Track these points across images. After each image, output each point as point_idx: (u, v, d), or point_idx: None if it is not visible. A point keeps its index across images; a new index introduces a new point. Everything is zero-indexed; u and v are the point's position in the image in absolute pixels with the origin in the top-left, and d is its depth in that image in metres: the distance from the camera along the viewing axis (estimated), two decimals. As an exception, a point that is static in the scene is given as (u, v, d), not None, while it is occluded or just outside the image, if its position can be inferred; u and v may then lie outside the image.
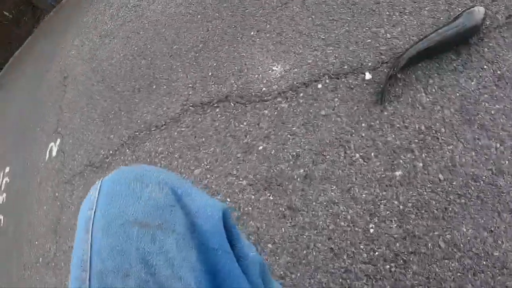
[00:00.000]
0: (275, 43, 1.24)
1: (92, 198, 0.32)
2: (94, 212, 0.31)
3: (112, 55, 2.13)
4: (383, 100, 1.01)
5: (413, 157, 0.96)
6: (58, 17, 3.79)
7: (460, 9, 1.08)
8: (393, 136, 0.99)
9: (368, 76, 1.06)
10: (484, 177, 0.94)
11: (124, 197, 0.31)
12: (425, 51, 1.02)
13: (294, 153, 1.04)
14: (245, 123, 1.15)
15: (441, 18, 1.15)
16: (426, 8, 1.18)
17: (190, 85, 1.39)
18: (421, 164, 0.96)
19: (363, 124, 1.01)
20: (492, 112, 1.00)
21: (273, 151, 1.06)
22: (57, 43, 3.17)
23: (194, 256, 0.31)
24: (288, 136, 1.06)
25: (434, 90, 1.02)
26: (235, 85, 1.24)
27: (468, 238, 0.89)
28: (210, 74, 1.36)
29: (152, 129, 1.49)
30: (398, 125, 0.99)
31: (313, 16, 1.24)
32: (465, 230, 0.90)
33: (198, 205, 0.33)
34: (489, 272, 0.86)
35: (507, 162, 0.95)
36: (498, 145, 0.97)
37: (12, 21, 4.80)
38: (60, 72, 2.76)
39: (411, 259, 0.90)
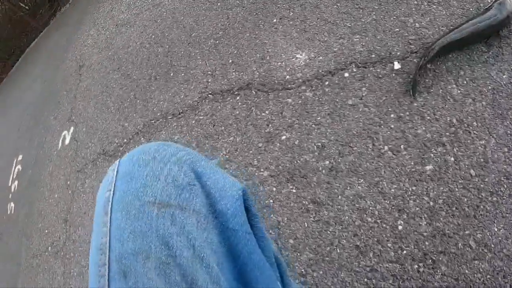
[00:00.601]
0: (299, 30, 1.22)
1: (110, 179, 0.31)
2: (113, 194, 0.30)
3: (128, 44, 2.13)
4: (414, 91, 0.98)
5: (444, 151, 0.93)
6: (75, 9, 3.82)
7: (490, 0, 1.05)
8: (424, 128, 0.96)
9: (397, 65, 1.03)
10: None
11: (143, 177, 0.30)
12: (456, 42, 0.99)
13: (320, 144, 1.02)
14: (267, 112, 1.13)
15: (470, 9, 1.12)
16: (457, -1, 1.15)
17: (209, 73, 1.37)
18: (452, 159, 0.93)
19: (392, 115, 0.99)
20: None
21: (297, 141, 1.04)
22: (73, 33, 3.19)
23: (215, 237, 0.30)
24: (313, 126, 1.04)
25: (465, 82, 0.99)
26: (257, 73, 1.22)
27: (500, 238, 0.86)
28: (230, 61, 1.34)
29: (169, 117, 1.48)
30: (428, 117, 0.96)
31: (339, 4, 1.22)
32: (496, 229, 0.87)
33: (218, 184, 0.32)
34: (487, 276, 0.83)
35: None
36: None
37: (29, 13, 4.87)
38: (75, 61, 2.78)
39: (440, 259, 0.87)
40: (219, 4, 1.58)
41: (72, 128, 2.33)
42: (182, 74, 1.55)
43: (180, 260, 0.27)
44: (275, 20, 1.31)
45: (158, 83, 1.66)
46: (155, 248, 0.27)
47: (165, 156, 0.32)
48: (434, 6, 1.14)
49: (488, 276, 0.84)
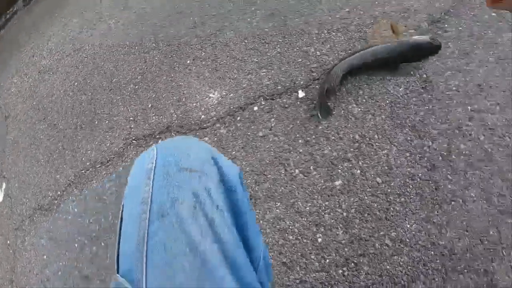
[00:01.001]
0: (211, 70, 1.27)
1: (151, 155, 0.43)
2: (155, 164, 0.42)
3: (52, 92, 2.07)
4: (324, 113, 1.05)
5: (351, 165, 1.01)
6: (-4, 55, 3.63)
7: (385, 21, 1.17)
8: (330, 148, 1.03)
9: (301, 94, 1.10)
10: (420, 175, 1.00)
11: (178, 154, 0.43)
12: (359, 68, 1.09)
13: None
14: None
15: (367, 31, 1.23)
16: (353, 23, 1.26)
17: (131, 118, 1.38)
18: (359, 171, 1.00)
19: (300, 141, 1.05)
20: (421, 113, 1.07)
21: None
22: (-4, 81, 3.03)
23: (224, 195, 0.43)
24: (231, 159, 1.08)
25: (364, 100, 1.07)
26: (175, 115, 1.24)
27: (413, 232, 0.94)
28: (150, 105, 1.35)
29: (97, 166, 1.46)
30: (333, 138, 1.03)
31: (246, 41, 1.28)
32: (409, 226, 0.95)
33: (226, 164, 0.46)
34: (438, 261, 0.91)
35: (440, 157, 1.01)
36: (430, 143, 1.04)
37: None
38: (0, 111, 2.64)
39: (361, 261, 0.92)
40: (136, 48, 1.60)
41: (4, 185, 2.20)
42: (106, 122, 1.53)
43: (204, 206, 0.39)
44: (188, 62, 1.35)
45: (84, 132, 1.63)
46: (188, 197, 0.39)
47: (191, 143, 0.47)
48: (334, 33, 1.24)
49: (409, 267, 0.90)
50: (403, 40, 1.06)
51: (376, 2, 1.32)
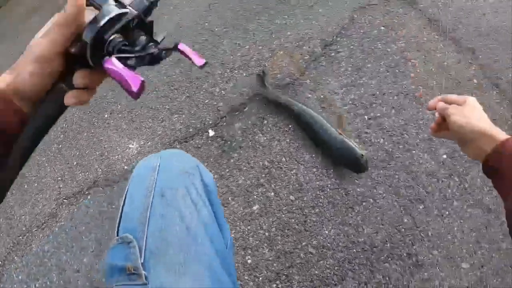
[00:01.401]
0: (128, 121, 1.65)
1: (156, 158, 0.77)
2: (159, 163, 0.75)
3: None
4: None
5: (264, 189, 1.40)
6: None
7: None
8: (243, 178, 1.41)
9: (211, 133, 1.50)
10: (329, 185, 1.42)
11: (175, 159, 0.79)
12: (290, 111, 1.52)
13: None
14: (116, 203, 1.48)
15: (266, 65, 1.67)
16: (253, 59, 1.70)
17: (59, 178, 1.70)
18: (272, 194, 1.39)
19: (215, 176, 1.43)
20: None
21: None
22: None
23: (203, 190, 0.76)
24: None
25: (269, 129, 1.50)
26: (100, 170, 1.59)
27: (332, 237, 1.35)
28: (75, 163, 1.69)
29: (34, 230, 1.74)
30: (245, 168, 1.42)
31: (157, 90, 1.69)
32: (327, 232, 1.36)
33: (204, 171, 0.81)
34: (361, 256, 1.32)
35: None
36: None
37: None
38: None
39: (291, 272, 1.30)
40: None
41: None
42: (35, 184, 1.84)
43: (191, 195, 0.71)
44: (106, 116, 1.72)
45: (15, 197, 1.92)
46: (181, 188, 0.71)
47: (184, 154, 0.83)
48: (236, 71, 1.69)
49: (336, 268, 1.30)
50: (342, 139, 1.42)
51: (273, 36, 1.79)
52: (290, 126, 1.53)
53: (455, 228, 1.38)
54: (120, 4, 0.46)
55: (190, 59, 0.51)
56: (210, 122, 1.54)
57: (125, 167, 1.55)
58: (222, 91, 1.62)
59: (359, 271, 1.29)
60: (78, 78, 0.48)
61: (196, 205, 0.71)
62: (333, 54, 1.76)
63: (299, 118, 1.49)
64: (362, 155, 1.37)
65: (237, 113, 1.57)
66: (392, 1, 2.02)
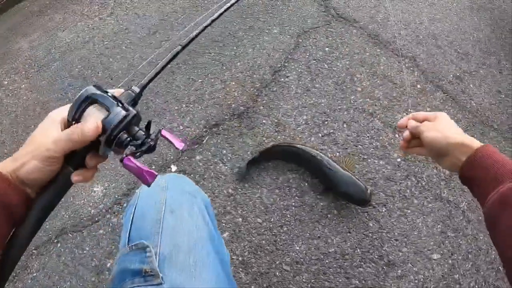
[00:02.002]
0: (89, 167, 1.73)
1: (163, 180, 0.90)
2: (167, 184, 0.88)
3: None
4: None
5: (232, 216, 1.49)
6: None
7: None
8: (210, 208, 1.51)
9: (173, 168, 1.60)
10: (293, 203, 1.53)
11: (181, 182, 0.94)
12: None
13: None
14: (87, 248, 1.53)
15: (220, 96, 1.81)
16: (207, 92, 1.84)
17: None
18: (240, 219, 1.49)
19: (182, 210, 1.51)
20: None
21: (119, 266, 1.48)
22: None
23: (204, 209, 0.89)
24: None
25: (229, 158, 1.61)
26: (67, 216, 1.64)
27: (304, 252, 1.45)
28: None
29: (5, 285, 1.74)
30: (210, 198, 1.52)
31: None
32: (298, 248, 1.45)
33: (202, 194, 0.95)
34: (335, 265, 1.42)
35: (306, 183, 1.55)
36: (293, 175, 1.58)
37: None
38: None
39: None
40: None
41: None
42: None
43: (197, 213, 0.85)
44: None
45: None
46: (187, 206, 0.85)
47: (186, 178, 1.00)
48: (191, 105, 1.81)
49: (312, 281, 1.38)
50: (349, 175, 1.49)
51: (224, 67, 1.94)
52: (249, 152, 1.66)
53: (420, 224, 1.51)
54: (122, 105, 0.58)
55: (171, 143, 0.64)
56: (172, 158, 1.64)
57: (92, 211, 1.61)
58: (180, 126, 1.73)
59: (335, 280, 1.38)
60: (91, 161, 0.60)
61: (200, 221, 0.84)
62: (282, 79, 1.92)
63: (303, 159, 1.58)
64: (368, 189, 1.46)
65: (196, 146, 1.67)
66: (333, 22, 2.23)
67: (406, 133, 0.90)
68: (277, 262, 1.42)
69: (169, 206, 0.83)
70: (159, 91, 1.90)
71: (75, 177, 0.58)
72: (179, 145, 0.63)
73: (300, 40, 2.10)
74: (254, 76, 1.92)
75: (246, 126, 1.73)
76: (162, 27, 2.23)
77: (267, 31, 2.16)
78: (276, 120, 1.75)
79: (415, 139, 0.89)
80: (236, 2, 0.88)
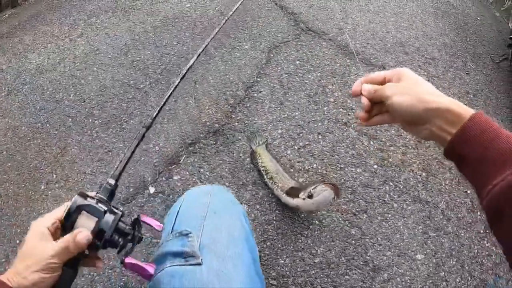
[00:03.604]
0: (66, 190, 1.70)
1: (208, 188, 1.00)
2: (212, 191, 0.96)
3: None
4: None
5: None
6: None
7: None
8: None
9: (152, 189, 1.60)
10: (274, 217, 1.55)
11: (223, 191, 1.03)
12: None
13: (122, 283, 1.45)
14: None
15: (194, 114, 1.82)
16: (180, 109, 1.85)
17: (3, 260, 1.67)
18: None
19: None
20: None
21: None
22: None
23: (243, 216, 0.96)
24: (109, 271, 1.46)
25: (207, 176, 1.62)
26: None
27: (289, 265, 1.45)
28: (18, 242, 1.69)
29: None
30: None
31: (91, 154, 1.78)
32: (283, 261, 1.46)
33: (242, 207, 1.01)
34: (321, 275, 1.43)
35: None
36: (265, 190, 1.58)
37: None
38: None
39: None
40: (-14, 185, 1.93)
41: None
42: None
43: (236, 217, 0.92)
44: (42, 187, 1.75)
45: None
46: (228, 210, 0.94)
47: (227, 190, 1.13)
48: (165, 124, 1.81)
49: None
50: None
51: (197, 85, 1.98)
52: (226, 169, 1.68)
53: (401, 227, 1.54)
54: (108, 208, 0.66)
55: (150, 225, 0.76)
56: (149, 179, 1.64)
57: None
58: (156, 147, 1.74)
59: (322, 290, 1.40)
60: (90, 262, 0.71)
61: (239, 224, 0.90)
62: (255, 94, 1.95)
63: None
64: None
65: (173, 166, 1.68)
66: (303, 35, 2.29)
67: (365, 101, 0.72)
68: (263, 278, 1.43)
69: (212, 207, 0.90)
70: (133, 111, 1.90)
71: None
72: (158, 226, 0.75)
73: (271, 55, 2.15)
74: (227, 92, 1.95)
75: (222, 143, 1.75)
76: (134, 46, 2.24)
77: (238, 47, 2.20)
78: (249, 134, 1.78)
79: (376, 105, 0.73)
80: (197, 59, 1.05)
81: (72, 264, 0.65)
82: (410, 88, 0.66)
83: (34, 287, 0.61)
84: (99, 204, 0.66)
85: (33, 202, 1.74)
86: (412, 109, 0.64)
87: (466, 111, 0.60)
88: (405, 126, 0.70)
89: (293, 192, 1.46)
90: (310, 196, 1.36)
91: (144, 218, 0.74)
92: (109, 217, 0.65)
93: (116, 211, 0.67)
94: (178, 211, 0.92)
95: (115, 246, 0.66)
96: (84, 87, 2.08)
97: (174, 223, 0.89)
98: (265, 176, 1.58)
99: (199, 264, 0.76)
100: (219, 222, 0.88)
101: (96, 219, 0.65)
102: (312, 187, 1.35)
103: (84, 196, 0.66)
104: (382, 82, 0.72)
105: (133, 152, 0.79)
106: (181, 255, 0.78)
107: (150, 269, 0.69)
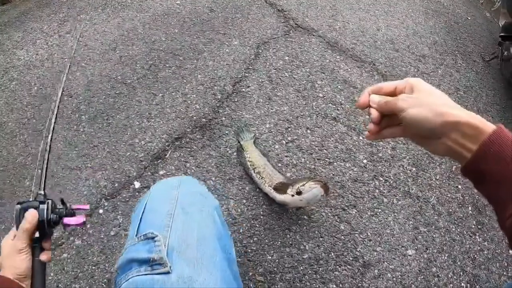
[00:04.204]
0: (51, 186, 1.64)
1: (175, 180, 0.93)
2: (180, 183, 0.90)
3: None
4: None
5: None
6: None
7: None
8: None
9: (137, 184, 1.55)
10: (261, 212, 1.51)
11: (192, 183, 0.96)
12: None
13: (106, 280, 1.39)
14: (52, 274, 1.45)
15: (181, 109, 1.78)
16: (168, 106, 1.81)
17: None
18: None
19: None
20: (241, 160, 1.58)
21: (87, 287, 1.40)
22: None
23: (214, 210, 0.89)
24: (93, 267, 1.41)
25: (193, 170, 1.58)
26: (29, 243, 1.57)
27: (277, 260, 1.41)
28: (1, 238, 1.64)
29: None
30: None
31: (77, 149, 1.72)
32: (270, 257, 1.42)
33: (214, 199, 0.97)
34: (310, 271, 1.38)
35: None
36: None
37: None
38: None
39: None
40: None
41: None
42: None
43: (206, 212, 0.86)
44: (27, 183, 1.68)
45: None
46: (198, 205, 0.87)
47: (198, 181, 1.01)
48: (153, 120, 1.77)
49: None
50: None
51: (185, 80, 1.92)
52: (213, 164, 1.63)
53: (391, 222, 1.51)
54: (42, 200, 0.83)
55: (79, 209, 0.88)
56: (135, 174, 1.59)
57: (55, 234, 1.52)
58: (142, 142, 1.69)
59: (312, 286, 1.35)
60: (46, 244, 0.81)
61: (210, 220, 0.85)
62: (243, 89, 1.91)
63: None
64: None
65: (159, 160, 1.63)
66: (293, 32, 2.25)
67: (375, 114, 0.66)
68: (250, 274, 1.37)
69: (180, 203, 0.84)
70: (120, 106, 1.85)
71: (42, 257, 0.78)
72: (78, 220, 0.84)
73: (260, 51, 2.11)
74: (215, 87, 1.90)
75: (209, 138, 1.70)
76: (122, 42, 2.20)
77: (227, 43, 2.15)
78: (237, 129, 1.73)
79: (386, 118, 0.67)
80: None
81: (34, 251, 0.79)
82: (425, 100, 0.60)
83: (16, 270, 0.73)
84: (34, 200, 0.83)
85: (17, 199, 1.68)
86: (428, 122, 0.59)
87: (486, 125, 0.55)
88: (418, 140, 0.65)
89: (281, 187, 1.41)
90: (299, 193, 1.32)
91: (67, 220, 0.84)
92: (43, 206, 0.80)
93: (47, 200, 0.82)
94: (143, 210, 0.85)
95: (56, 223, 0.81)
96: (72, 82, 2.02)
97: (139, 225, 0.82)
98: (252, 171, 1.53)
99: (168, 272, 0.70)
100: (188, 220, 0.81)
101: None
102: (301, 183, 1.31)
103: (22, 202, 0.82)
104: (392, 93, 0.66)
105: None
106: (147, 263, 0.72)
107: (82, 221, 0.82)
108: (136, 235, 0.80)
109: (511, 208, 0.51)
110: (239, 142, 1.65)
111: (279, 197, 1.41)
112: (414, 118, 0.60)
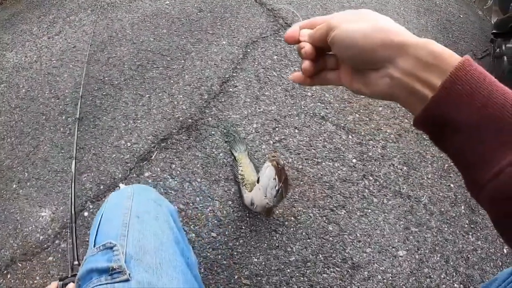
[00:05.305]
0: (37, 189, 1.60)
1: (129, 189, 0.90)
2: (133, 193, 0.87)
3: None
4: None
5: (184, 233, 1.38)
6: None
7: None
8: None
9: (122, 186, 1.49)
10: (247, 214, 1.45)
11: (146, 192, 0.93)
12: None
13: None
14: (38, 278, 1.40)
15: (167, 110, 1.72)
16: (154, 107, 1.75)
17: None
18: (193, 235, 1.40)
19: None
20: (229, 165, 1.53)
21: (75, 290, 1.35)
22: None
23: (169, 216, 0.88)
24: (76, 274, 1.37)
25: (178, 172, 1.52)
26: (15, 245, 1.50)
27: (263, 263, 1.36)
28: None
29: None
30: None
31: (63, 151, 1.67)
32: (256, 260, 1.36)
33: (169, 204, 0.95)
34: (297, 274, 1.33)
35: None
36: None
37: None
38: None
39: None
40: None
41: None
42: None
43: (162, 219, 0.84)
44: (14, 186, 1.66)
45: None
46: (153, 212, 0.84)
47: (152, 189, 1.00)
48: (139, 121, 1.71)
49: None
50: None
51: (172, 81, 1.86)
52: (199, 165, 1.57)
53: (381, 222, 1.45)
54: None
55: None
56: (120, 176, 1.53)
57: (41, 237, 1.48)
58: (128, 143, 1.63)
59: (299, 289, 1.30)
60: None
61: (166, 226, 0.84)
62: (230, 89, 1.85)
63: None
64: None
65: (145, 162, 1.57)
66: (282, 31, 2.19)
67: (307, 46, 0.51)
68: (236, 277, 1.32)
69: (135, 211, 0.82)
70: (106, 108, 1.80)
71: None
72: None
73: (249, 50, 2.05)
74: (202, 88, 1.84)
75: (195, 138, 1.64)
76: (110, 43, 2.14)
77: (215, 43, 2.09)
78: (225, 131, 1.68)
79: (322, 60, 0.54)
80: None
81: None
82: (365, 16, 0.46)
83: None
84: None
85: (4, 201, 1.64)
86: (365, 40, 0.43)
87: (449, 54, 0.39)
88: (354, 80, 0.49)
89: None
90: (258, 180, 1.23)
91: None
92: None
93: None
94: (99, 221, 0.84)
95: None
96: (59, 84, 1.97)
97: (96, 235, 0.82)
98: (243, 187, 1.41)
99: (128, 280, 0.69)
100: (144, 228, 0.80)
101: None
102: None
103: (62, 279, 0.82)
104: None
105: None
106: (107, 272, 0.71)
107: None
108: (94, 246, 0.79)
109: (495, 165, 0.36)
110: (233, 154, 1.58)
111: (247, 199, 1.32)
112: (346, 35, 0.45)
